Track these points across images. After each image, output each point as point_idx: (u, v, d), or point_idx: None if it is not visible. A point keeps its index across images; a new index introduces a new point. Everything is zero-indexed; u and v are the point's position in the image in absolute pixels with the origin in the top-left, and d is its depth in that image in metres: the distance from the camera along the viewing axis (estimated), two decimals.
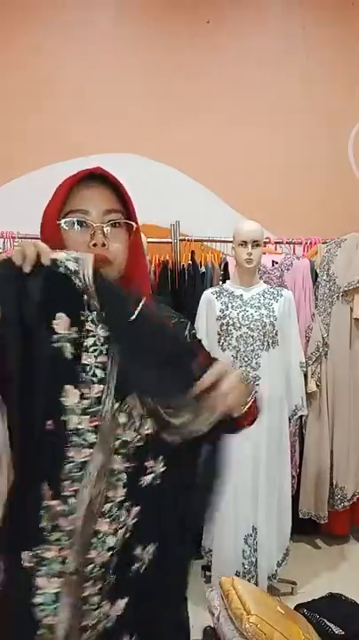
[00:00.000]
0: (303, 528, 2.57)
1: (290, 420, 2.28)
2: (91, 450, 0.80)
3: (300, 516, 2.55)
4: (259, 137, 3.07)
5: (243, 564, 2.12)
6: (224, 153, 3.02)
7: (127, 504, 0.84)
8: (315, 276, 2.63)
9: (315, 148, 3.13)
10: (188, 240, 2.63)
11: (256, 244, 2.11)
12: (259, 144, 3.07)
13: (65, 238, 0.87)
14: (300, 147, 3.12)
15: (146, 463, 0.85)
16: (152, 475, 0.86)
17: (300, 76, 3.12)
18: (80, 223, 0.86)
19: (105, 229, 0.86)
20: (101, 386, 0.81)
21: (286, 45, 3.11)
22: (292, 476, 2.43)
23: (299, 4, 3.11)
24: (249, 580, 2.06)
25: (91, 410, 0.80)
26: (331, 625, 1.87)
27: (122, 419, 0.83)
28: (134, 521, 0.85)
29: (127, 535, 0.84)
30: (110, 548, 0.82)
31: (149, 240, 2.34)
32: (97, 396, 0.81)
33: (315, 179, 3.12)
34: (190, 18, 3.00)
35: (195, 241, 2.64)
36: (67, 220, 0.87)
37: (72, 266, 0.78)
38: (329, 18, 3.14)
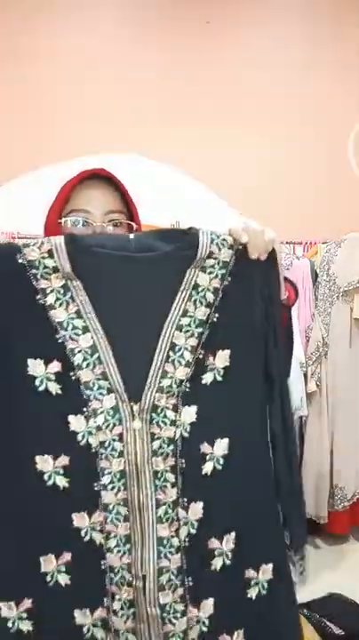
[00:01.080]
0: None
1: None
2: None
3: None
4: (258, 137, 3.06)
5: None
6: (224, 153, 3.02)
7: (183, 501, 0.81)
8: (315, 275, 2.62)
9: (315, 148, 3.13)
10: None
11: None
12: (259, 144, 3.07)
13: None
14: (300, 147, 3.11)
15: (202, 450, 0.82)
16: (212, 462, 0.82)
17: (300, 76, 3.11)
18: (81, 222, 0.87)
19: (106, 229, 0.87)
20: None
21: (286, 45, 3.11)
22: None
23: (300, 3, 3.11)
24: None
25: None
26: (331, 625, 1.86)
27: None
28: (199, 516, 0.82)
29: (194, 531, 0.81)
30: (178, 549, 0.81)
31: None
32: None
33: (315, 179, 3.11)
34: (190, 18, 3.00)
35: None
36: (68, 218, 0.87)
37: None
38: (329, 17, 3.14)
